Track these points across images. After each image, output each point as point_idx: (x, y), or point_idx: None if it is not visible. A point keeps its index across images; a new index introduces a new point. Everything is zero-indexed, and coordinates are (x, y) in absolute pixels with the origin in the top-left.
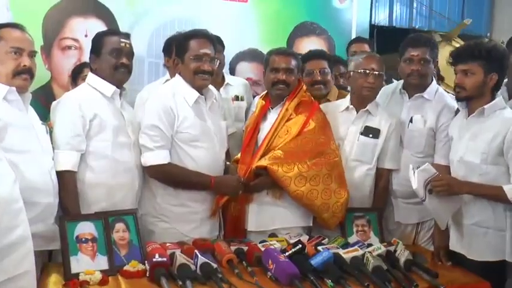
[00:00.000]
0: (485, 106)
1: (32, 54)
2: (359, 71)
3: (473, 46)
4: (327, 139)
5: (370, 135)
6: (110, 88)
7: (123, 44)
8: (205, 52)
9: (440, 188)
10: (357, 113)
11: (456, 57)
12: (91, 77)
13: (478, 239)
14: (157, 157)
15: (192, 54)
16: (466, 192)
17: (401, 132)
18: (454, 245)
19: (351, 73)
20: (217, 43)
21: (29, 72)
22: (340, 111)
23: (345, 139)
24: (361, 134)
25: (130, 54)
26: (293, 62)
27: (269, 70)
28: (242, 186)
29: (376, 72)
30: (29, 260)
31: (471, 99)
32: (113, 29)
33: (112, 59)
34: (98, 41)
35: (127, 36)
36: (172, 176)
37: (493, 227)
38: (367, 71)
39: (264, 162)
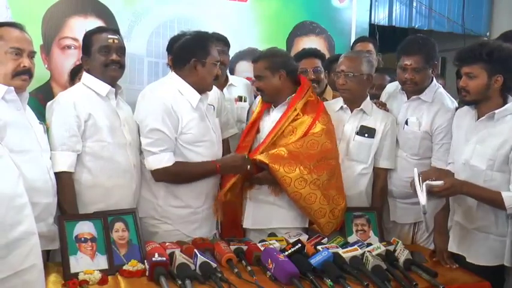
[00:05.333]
0: (496, 111)
1: (31, 54)
2: (334, 72)
3: (475, 48)
4: (332, 144)
5: (366, 135)
6: (104, 87)
7: (111, 41)
8: (219, 58)
9: (445, 192)
10: (351, 112)
11: (459, 60)
12: (86, 77)
13: (479, 243)
14: (161, 160)
15: (214, 60)
16: (465, 192)
17: (398, 133)
18: (455, 247)
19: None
20: (224, 44)
21: (28, 73)
22: (335, 110)
23: (341, 138)
24: (357, 133)
25: (120, 49)
26: (260, 66)
27: None
28: (248, 160)
29: (350, 74)
30: (35, 254)
31: (479, 103)
32: (101, 27)
33: (101, 57)
34: (86, 41)
35: (115, 31)
36: (179, 175)
37: (495, 233)
38: (338, 73)
39: (265, 159)
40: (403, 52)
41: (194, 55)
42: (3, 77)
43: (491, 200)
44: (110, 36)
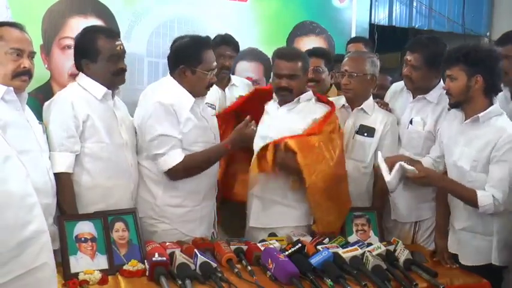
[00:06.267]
0: (480, 114)
1: (31, 55)
2: (338, 72)
3: (453, 50)
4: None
5: (365, 134)
6: (100, 90)
7: (119, 48)
8: (215, 65)
9: (418, 180)
10: (352, 111)
11: (443, 64)
12: (82, 78)
13: (467, 243)
14: (171, 159)
15: (206, 68)
16: (441, 186)
17: (401, 133)
18: (454, 247)
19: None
20: (233, 48)
21: (28, 74)
22: (338, 108)
23: None
24: (356, 132)
25: (124, 54)
26: (297, 66)
27: (273, 74)
28: (252, 122)
29: (353, 74)
30: (46, 252)
31: (463, 104)
32: (103, 30)
33: (111, 66)
34: (90, 46)
35: (119, 36)
36: (192, 168)
37: (481, 232)
38: (342, 73)
39: (295, 146)
40: (407, 47)
41: (183, 62)
42: (2, 78)
43: (466, 197)
44: (117, 43)
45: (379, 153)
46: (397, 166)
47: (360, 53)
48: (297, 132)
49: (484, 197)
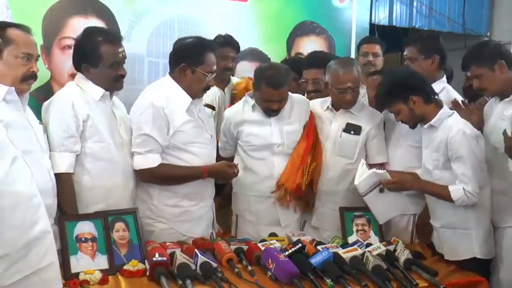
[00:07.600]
0: (432, 122)
1: (37, 58)
2: (334, 89)
3: (379, 97)
4: None
5: (352, 132)
6: (98, 91)
7: (121, 55)
8: (215, 69)
9: (392, 186)
10: (337, 111)
11: (384, 108)
12: (80, 79)
13: (448, 239)
14: (146, 161)
15: (206, 70)
16: (416, 188)
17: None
18: (437, 244)
19: (329, 86)
20: (236, 50)
21: (35, 77)
22: (324, 109)
23: (328, 136)
24: (343, 130)
25: (125, 60)
26: (284, 90)
27: (260, 97)
28: (236, 169)
29: (357, 89)
30: (52, 252)
31: (422, 120)
32: (106, 34)
33: (112, 72)
34: (93, 52)
35: (121, 40)
36: (163, 177)
37: (459, 227)
38: (344, 90)
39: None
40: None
41: (185, 60)
42: (12, 81)
43: (440, 194)
44: (120, 50)
45: (363, 160)
46: (369, 172)
47: (351, 66)
48: (298, 130)
49: (456, 191)
